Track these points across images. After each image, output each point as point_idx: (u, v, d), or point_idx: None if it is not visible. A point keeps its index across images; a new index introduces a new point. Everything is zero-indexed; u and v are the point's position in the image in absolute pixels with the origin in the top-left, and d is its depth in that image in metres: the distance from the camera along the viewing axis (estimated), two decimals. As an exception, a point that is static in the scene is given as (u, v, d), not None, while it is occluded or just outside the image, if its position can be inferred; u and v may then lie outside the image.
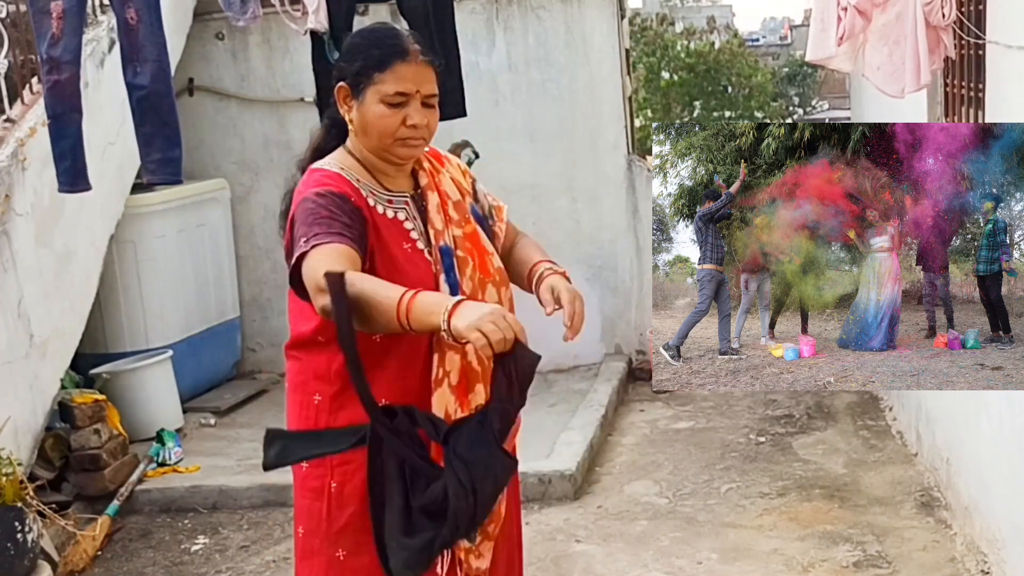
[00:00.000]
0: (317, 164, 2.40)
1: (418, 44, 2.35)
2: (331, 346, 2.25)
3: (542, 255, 2.57)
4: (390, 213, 2.36)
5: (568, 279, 2.48)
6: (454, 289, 2.35)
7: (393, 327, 2.09)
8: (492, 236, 2.54)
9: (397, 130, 2.32)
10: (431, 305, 2.05)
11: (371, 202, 2.34)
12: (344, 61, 2.39)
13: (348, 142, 2.43)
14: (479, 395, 2.35)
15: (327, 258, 2.13)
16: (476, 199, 2.57)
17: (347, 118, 2.38)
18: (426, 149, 2.47)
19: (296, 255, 2.20)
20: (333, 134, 2.49)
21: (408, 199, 2.40)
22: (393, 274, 2.25)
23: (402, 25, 5.93)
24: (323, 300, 2.09)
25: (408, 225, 2.37)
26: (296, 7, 4.81)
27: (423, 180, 2.44)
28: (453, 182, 2.51)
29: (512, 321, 2.03)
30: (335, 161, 2.40)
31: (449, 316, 2.01)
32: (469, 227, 2.45)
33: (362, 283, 2.10)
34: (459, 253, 2.38)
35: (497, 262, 2.48)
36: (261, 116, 7.02)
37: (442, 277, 2.34)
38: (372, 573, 2.25)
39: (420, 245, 2.36)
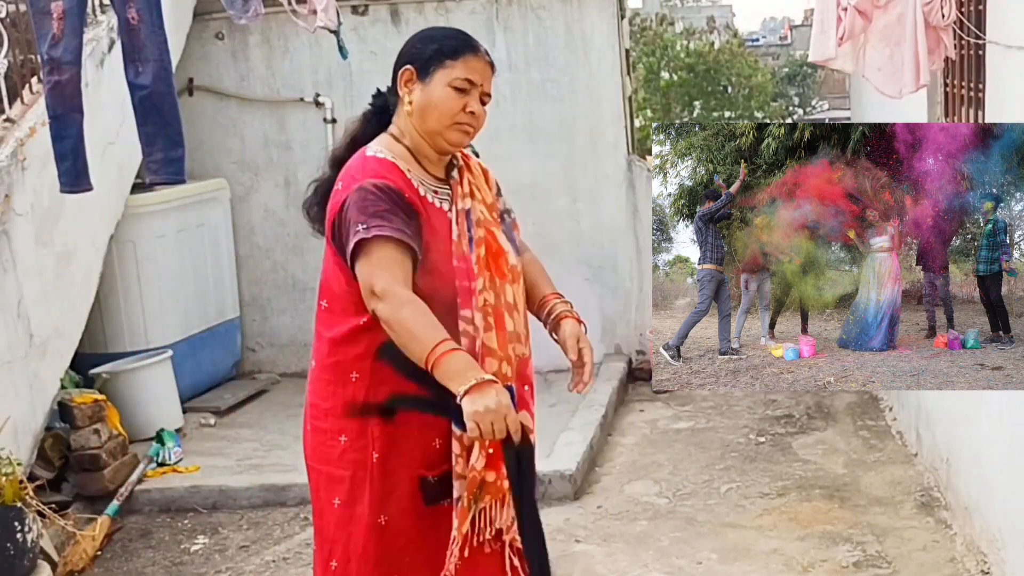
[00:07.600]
0: (369, 151, 2.48)
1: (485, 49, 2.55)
2: (373, 331, 2.39)
3: (549, 283, 2.74)
4: (437, 203, 2.49)
5: (579, 320, 2.67)
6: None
7: (419, 364, 2.29)
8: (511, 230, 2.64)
9: (457, 114, 2.45)
10: (455, 373, 2.24)
11: (422, 192, 2.46)
12: (417, 45, 2.51)
13: (393, 128, 2.53)
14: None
15: (388, 267, 2.32)
16: (500, 194, 2.69)
17: (406, 99, 2.47)
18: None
19: (357, 239, 2.33)
20: (373, 123, 2.58)
21: (449, 191, 2.53)
22: (445, 266, 2.42)
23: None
24: (375, 303, 2.31)
25: (451, 215, 2.50)
26: (302, 4, 4.80)
27: (457, 175, 2.56)
28: (486, 183, 2.64)
29: (511, 421, 2.25)
30: (384, 148, 2.48)
31: (465, 393, 2.22)
32: (493, 227, 2.57)
33: (408, 313, 2.29)
34: (480, 252, 2.48)
35: (512, 259, 2.56)
36: (261, 116, 7.02)
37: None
38: (412, 536, 2.49)
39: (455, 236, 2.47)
